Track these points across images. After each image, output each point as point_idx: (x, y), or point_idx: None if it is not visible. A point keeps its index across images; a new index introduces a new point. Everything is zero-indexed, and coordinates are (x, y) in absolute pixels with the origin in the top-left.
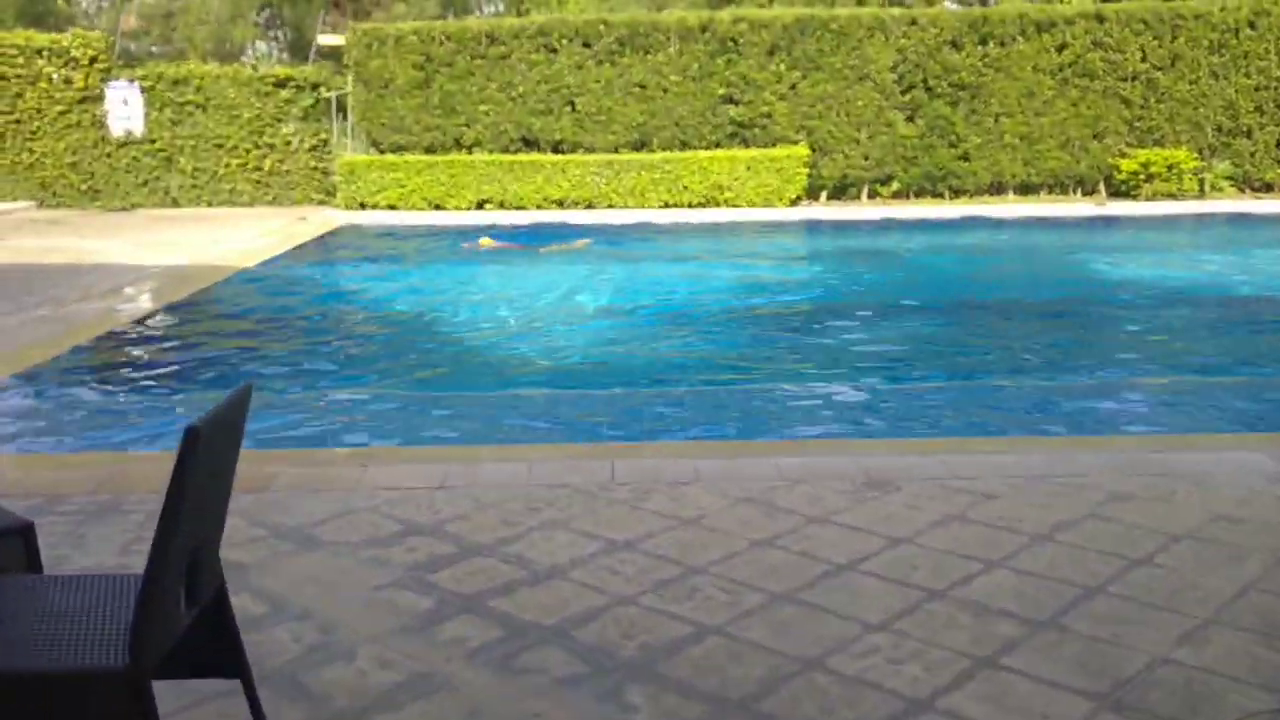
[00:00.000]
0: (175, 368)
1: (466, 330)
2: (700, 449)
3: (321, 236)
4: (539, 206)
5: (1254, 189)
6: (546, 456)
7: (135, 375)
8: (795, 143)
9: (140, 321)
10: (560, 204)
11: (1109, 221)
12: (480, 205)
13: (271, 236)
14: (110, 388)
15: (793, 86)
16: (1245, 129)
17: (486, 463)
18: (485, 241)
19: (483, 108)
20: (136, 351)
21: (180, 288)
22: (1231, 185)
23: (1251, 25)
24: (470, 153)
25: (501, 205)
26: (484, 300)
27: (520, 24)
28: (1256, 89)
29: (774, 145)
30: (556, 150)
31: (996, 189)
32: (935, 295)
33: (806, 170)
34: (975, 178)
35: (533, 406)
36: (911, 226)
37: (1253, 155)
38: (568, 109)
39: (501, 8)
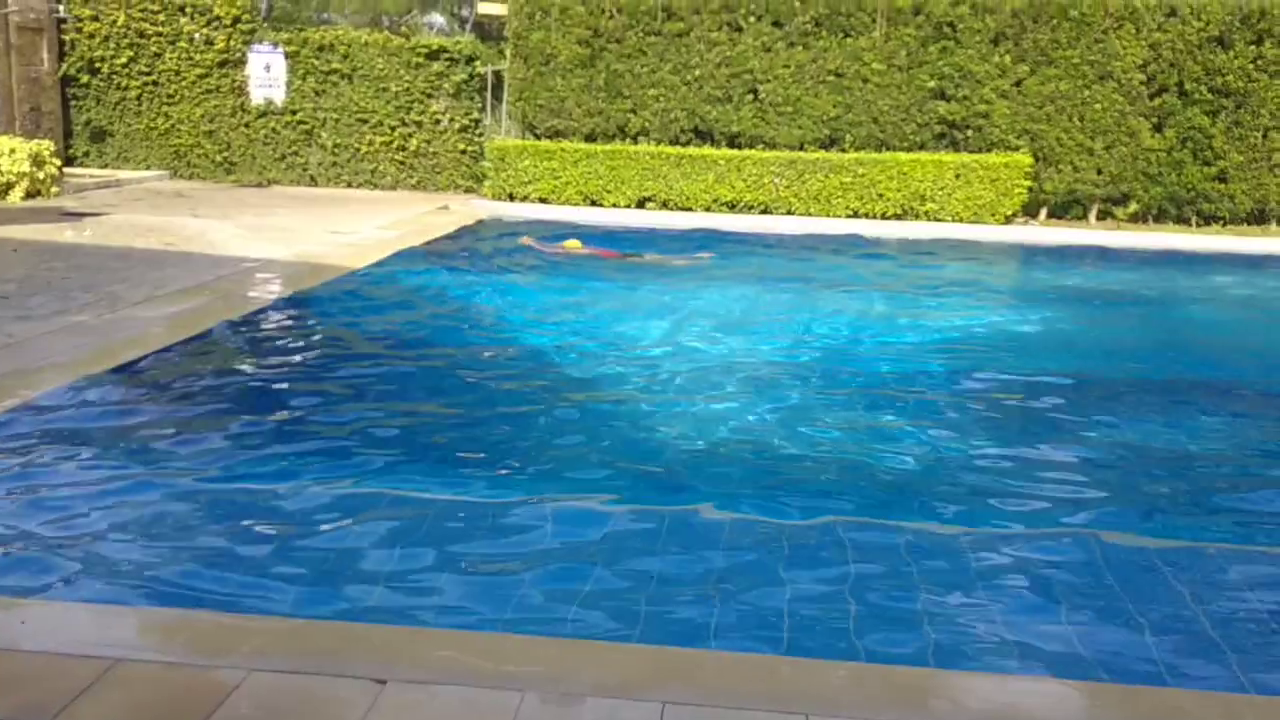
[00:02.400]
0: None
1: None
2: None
3: (458, 232)
4: (708, 208)
5: None
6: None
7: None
8: (1015, 149)
9: (187, 343)
10: (732, 206)
11: None
12: (642, 203)
13: (400, 228)
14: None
15: (1017, 83)
16: None
17: None
18: (572, 244)
19: (652, 92)
20: (138, 395)
21: (257, 295)
22: None
23: None
24: (635, 142)
25: (665, 205)
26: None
27: None
28: None
29: (989, 150)
30: (733, 144)
31: (1258, 217)
32: (1246, 373)
33: (1027, 182)
34: (1232, 203)
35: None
36: (1167, 261)
37: None
38: (749, 97)
39: None
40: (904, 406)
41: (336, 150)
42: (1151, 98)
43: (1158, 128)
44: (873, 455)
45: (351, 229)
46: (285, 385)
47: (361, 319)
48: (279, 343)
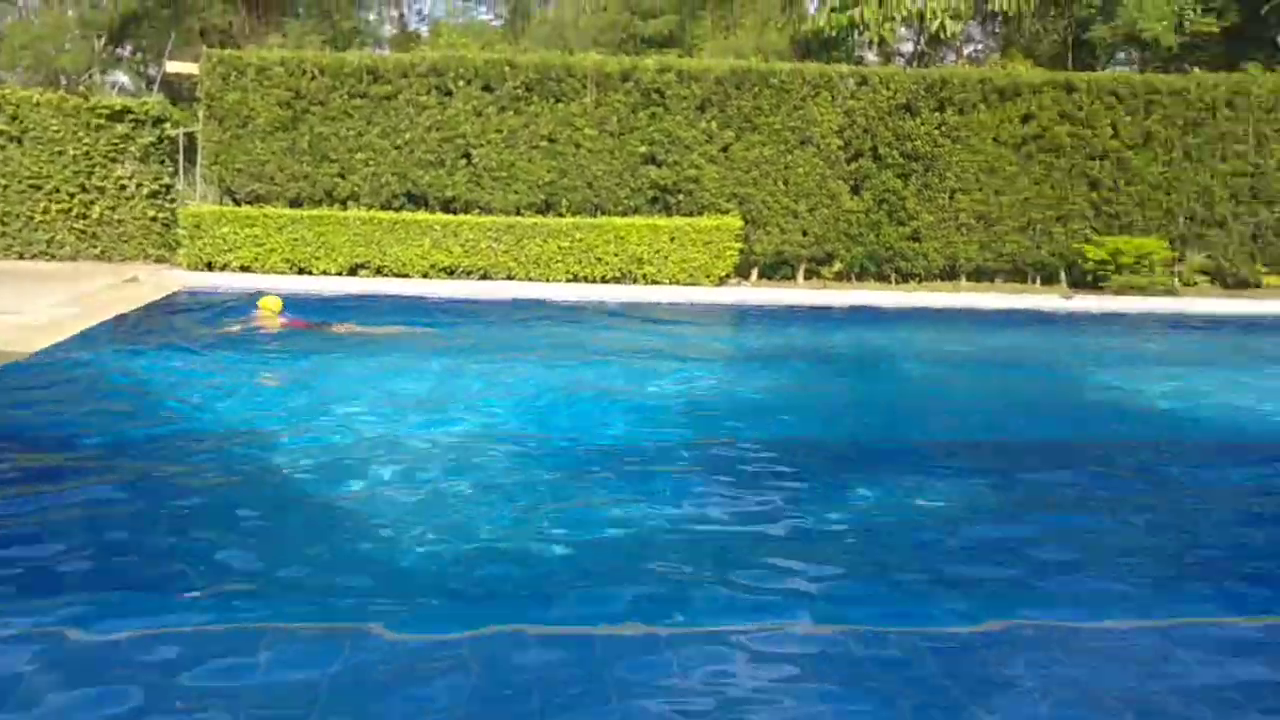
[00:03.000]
0: None
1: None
2: None
3: (148, 307)
4: (425, 275)
5: (1225, 285)
6: None
7: None
8: (726, 212)
9: None
10: (450, 272)
11: (1094, 321)
12: (354, 270)
13: (81, 305)
14: None
15: (725, 148)
16: (1220, 219)
17: None
18: (268, 304)
19: (361, 155)
20: None
21: None
22: (1204, 280)
23: (1230, 105)
24: (345, 208)
25: (379, 271)
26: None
27: (409, 60)
28: (1234, 175)
29: (701, 214)
30: (448, 209)
31: (949, 274)
32: (935, 431)
33: (738, 244)
34: (926, 260)
35: None
36: (870, 318)
37: (1226, 248)
38: (463, 162)
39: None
40: (618, 483)
41: (5, 219)
42: (848, 162)
43: (855, 190)
44: (573, 542)
45: (20, 307)
46: None
47: (31, 417)
48: None
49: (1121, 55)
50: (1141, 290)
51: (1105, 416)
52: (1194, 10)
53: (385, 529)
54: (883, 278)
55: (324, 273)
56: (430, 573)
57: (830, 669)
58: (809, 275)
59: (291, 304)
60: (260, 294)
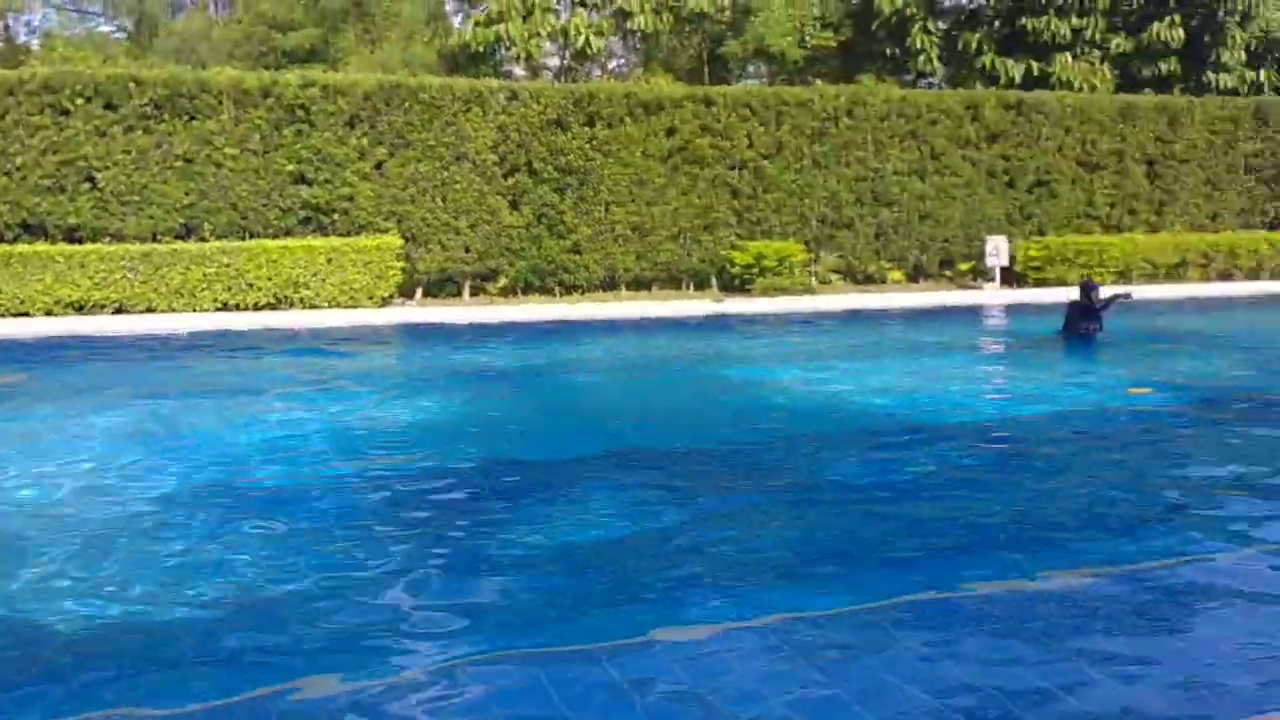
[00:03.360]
0: None
1: None
2: None
3: None
4: (49, 312)
5: (856, 281)
6: None
7: None
8: (384, 231)
9: None
10: (79, 308)
11: (743, 323)
12: None
13: None
14: None
15: (379, 165)
16: (848, 220)
17: None
18: None
19: None
20: None
21: None
22: (838, 278)
23: (850, 114)
24: None
25: None
26: None
27: (17, 76)
28: (856, 179)
29: (359, 233)
30: (72, 239)
31: (610, 284)
32: (571, 443)
33: (400, 263)
34: (587, 272)
35: None
36: (535, 331)
37: (854, 247)
38: (86, 186)
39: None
40: (271, 537)
41: None
42: (505, 177)
43: (515, 205)
44: (206, 615)
45: None
46: None
47: None
48: None
49: (751, 69)
50: (784, 290)
51: (758, 414)
52: (814, 26)
53: None
54: (547, 291)
55: None
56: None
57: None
58: (475, 292)
59: None
60: None
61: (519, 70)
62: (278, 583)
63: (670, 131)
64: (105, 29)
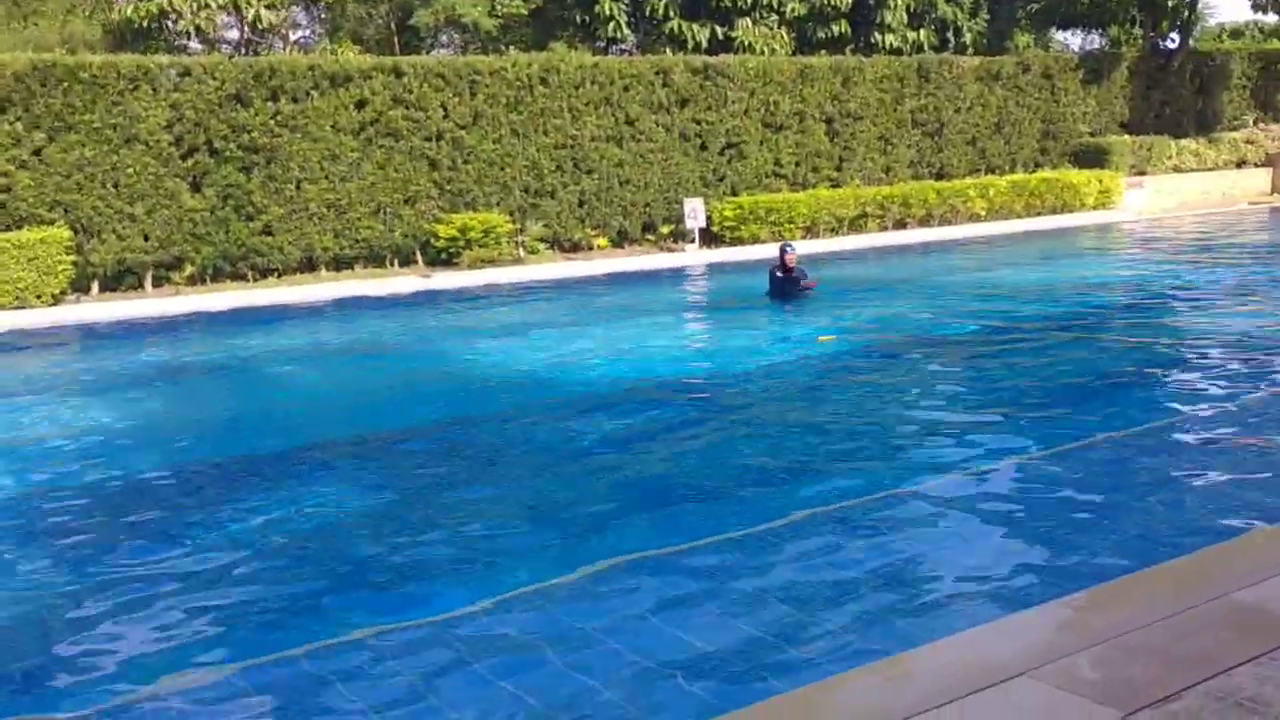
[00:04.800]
0: None
1: None
2: None
3: None
4: None
5: (564, 249)
6: None
7: None
8: (50, 223)
9: None
10: None
11: (453, 298)
12: None
13: None
14: None
15: (37, 152)
16: (550, 189)
17: None
18: None
19: None
20: None
21: None
22: (545, 247)
23: (544, 82)
24: None
25: None
26: None
27: None
28: (556, 147)
29: (20, 227)
30: None
31: (308, 265)
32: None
33: (71, 257)
34: (283, 254)
35: None
36: (221, 323)
37: (559, 215)
38: None
39: None
40: None
41: None
42: (184, 158)
43: (196, 187)
44: None
45: None
46: None
47: None
48: None
49: (445, 39)
50: (492, 262)
51: (476, 389)
52: None
53: None
54: (240, 276)
55: None
56: None
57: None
58: (158, 282)
59: None
60: None
61: (194, 45)
62: None
63: (361, 104)
64: None
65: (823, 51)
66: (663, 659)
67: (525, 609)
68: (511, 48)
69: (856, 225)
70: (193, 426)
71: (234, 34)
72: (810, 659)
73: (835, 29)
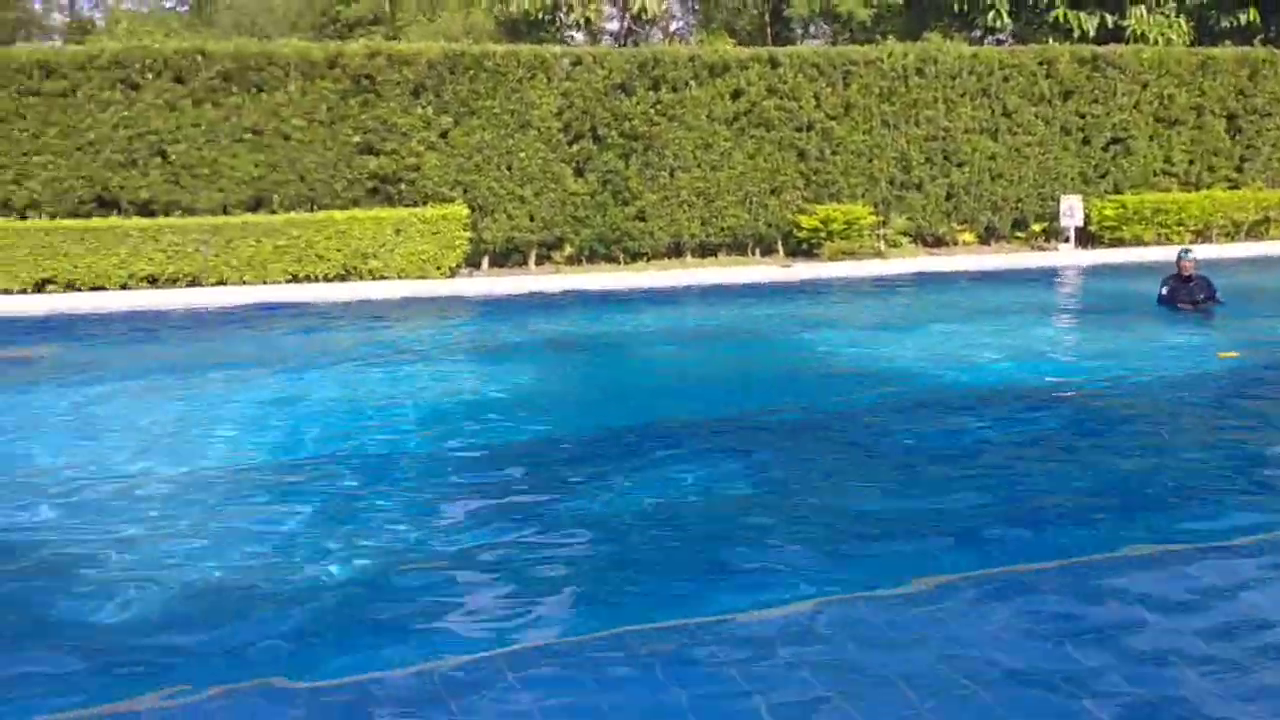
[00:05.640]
0: None
1: None
2: None
3: None
4: (124, 285)
5: (926, 244)
6: None
7: None
8: (450, 200)
9: None
10: (154, 281)
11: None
12: (41, 286)
13: None
14: None
15: (444, 134)
16: (917, 181)
17: None
18: None
19: (39, 159)
20: None
21: None
22: (908, 241)
23: (920, 72)
24: (24, 217)
25: (72, 285)
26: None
27: (87, 52)
28: (926, 139)
29: (425, 204)
30: (145, 213)
31: (675, 251)
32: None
33: (467, 233)
34: (653, 239)
35: None
36: (600, 302)
37: (924, 209)
38: (157, 160)
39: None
40: (370, 512)
41: None
42: (570, 144)
43: (579, 172)
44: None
45: None
46: None
47: None
48: None
49: (814, 29)
50: (852, 254)
51: (830, 383)
52: None
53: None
54: (612, 259)
55: (5, 290)
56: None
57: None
58: (540, 260)
59: None
60: None
61: (578, 36)
62: (381, 554)
63: (736, 94)
64: (168, 4)
65: (1226, 42)
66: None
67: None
68: (886, 37)
69: (1256, 231)
70: (562, 398)
71: (614, 25)
72: None
73: (1242, 18)
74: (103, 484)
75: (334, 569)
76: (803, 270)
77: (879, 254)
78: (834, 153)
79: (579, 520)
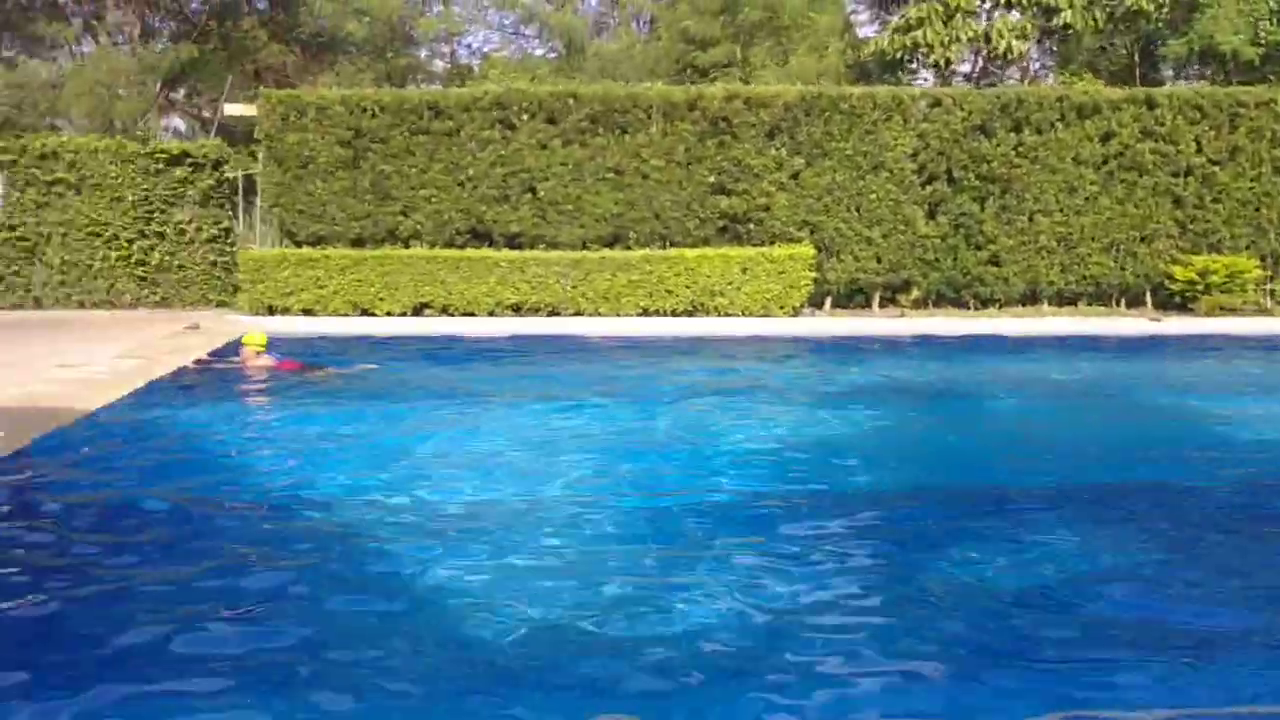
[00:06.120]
0: None
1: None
2: None
3: (212, 356)
4: (491, 312)
5: None
6: None
7: None
8: (797, 240)
9: None
10: (517, 309)
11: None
12: (419, 310)
13: (142, 355)
14: None
15: (795, 175)
16: None
17: None
18: (252, 340)
19: (424, 193)
20: None
21: None
22: None
23: None
24: (407, 246)
25: (445, 310)
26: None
27: (471, 94)
28: None
29: (772, 243)
30: (513, 245)
31: (1030, 298)
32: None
33: (812, 273)
34: (1006, 285)
35: None
36: (937, 347)
37: None
38: (528, 196)
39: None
40: (720, 561)
41: (65, 268)
42: (923, 185)
43: (931, 215)
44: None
45: (83, 360)
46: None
47: (92, 483)
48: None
49: (1186, 70)
50: (1234, 310)
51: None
52: (1270, 21)
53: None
54: (960, 304)
55: (388, 313)
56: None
57: None
58: (884, 303)
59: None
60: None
61: (927, 76)
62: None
63: (1106, 136)
64: (538, 52)
65: None
66: None
67: None
68: (1272, 78)
69: None
70: (905, 448)
71: (966, 66)
72: None
73: None
74: (512, 504)
75: (690, 612)
76: (1174, 325)
77: (1264, 311)
78: (1215, 200)
79: (944, 584)
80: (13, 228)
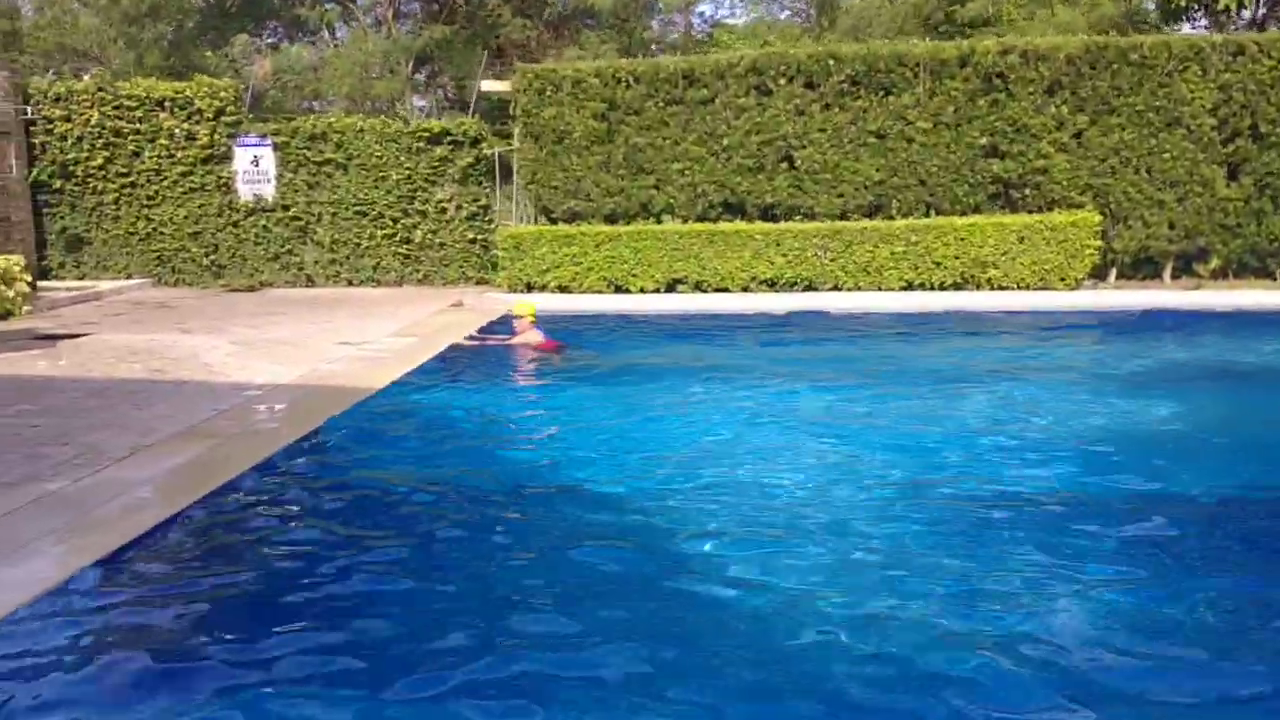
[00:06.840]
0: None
1: None
2: None
3: (479, 334)
4: (745, 288)
5: None
6: None
7: None
8: (1078, 206)
9: (180, 521)
10: (772, 284)
11: None
12: (672, 286)
13: (417, 333)
14: None
15: (1077, 135)
16: None
17: None
18: (523, 310)
19: (677, 165)
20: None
21: (263, 437)
22: None
23: None
24: (659, 221)
25: (699, 286)
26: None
27: (726, 60)
28: None
29: (1048, 209)
30: (768, 217)
31: None
32: None
33: (1096, 242)
34: None
35: None
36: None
37: None
38: (784, 165)
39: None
40: (1065, 563)
41: (335, 246)
42: (1224, 143)
43: (1232, 175)
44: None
45: (362, 338)
46: (321, 578)
47: (397, 459)
48: (296, 510)
49: None
50: None
51: None
52: None
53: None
54: (1267, 274)
55: (641, 290)
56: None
57: None
58: (1176, 274)
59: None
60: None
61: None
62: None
63: None
64: (783, 16)
65: None
66: None
67: None
68: None
69: None
70: (1209, 443)
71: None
72: None
73: None
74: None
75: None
76: None
77: None
78: None
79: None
80: (286, 207)
